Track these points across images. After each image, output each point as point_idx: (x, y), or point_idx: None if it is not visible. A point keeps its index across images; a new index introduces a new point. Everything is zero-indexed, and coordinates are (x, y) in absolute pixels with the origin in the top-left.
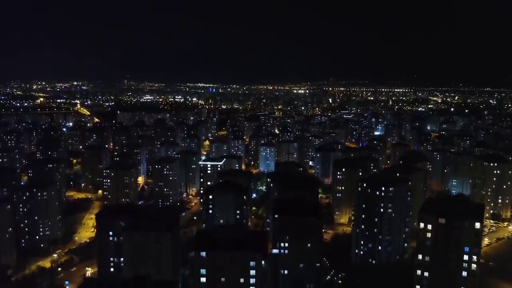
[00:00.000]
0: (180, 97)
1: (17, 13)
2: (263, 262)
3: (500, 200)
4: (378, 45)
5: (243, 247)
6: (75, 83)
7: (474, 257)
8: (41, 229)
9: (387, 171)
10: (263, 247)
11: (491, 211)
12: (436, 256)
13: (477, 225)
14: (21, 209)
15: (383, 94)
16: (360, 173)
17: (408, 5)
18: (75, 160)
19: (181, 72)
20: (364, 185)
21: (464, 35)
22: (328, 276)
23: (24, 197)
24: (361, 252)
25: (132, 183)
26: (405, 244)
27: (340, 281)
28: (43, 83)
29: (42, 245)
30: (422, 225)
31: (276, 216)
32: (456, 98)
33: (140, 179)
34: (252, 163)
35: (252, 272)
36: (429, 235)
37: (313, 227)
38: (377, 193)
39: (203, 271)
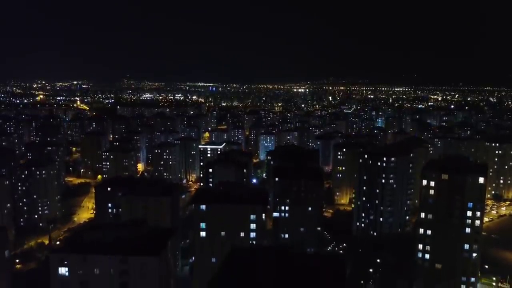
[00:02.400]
0: (180, 95)
1: (17, 13)
2: (263, 216)
3: (502, 181)
4: (378, 45)
5: (243, 201)
6: (75, 82)
7: (478, 213)
8: (39, 208)
9: (388, 145)
10: (263, 202)
11: (493, 192)
12: (439, 214)
13: (481, 179)
14: (19, 188)
15: (383, 93)
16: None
17: (408, 5)
18: (74, 148)
19: (181, 72)
20: (365, 156)
21: (464, 35)
22: (329, 248)
23: (23, 176)
24: (362, 225)
25: (132, 166)
26: (407, 217)
27: (341, 251)
28: (43, 82)
29: (41, 224)
30: (424, 182)
31: (276, 179)
32: (456, 96)
33: (140, 166)
34: (252, 152)
35: (253, 226)
36: (432, 192)
37: (314, 190)
38: (379, 163)
39: (203, 225)
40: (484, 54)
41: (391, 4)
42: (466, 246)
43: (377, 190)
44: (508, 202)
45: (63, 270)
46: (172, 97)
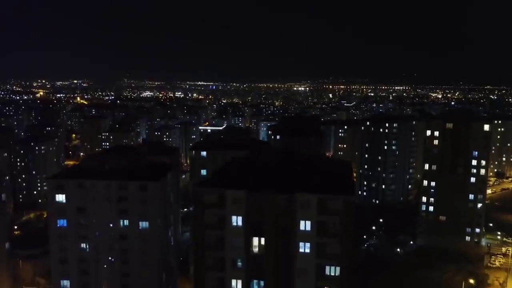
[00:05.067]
0: (180, 93)
1: (17, 13)
2: None
3: (504, 159)
4: (378, 45)
5: (243, 148)
6: (75, 81)
7: (483, 162)
8: (38, 184)
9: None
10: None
11: (495, 170)
12: (443, 164)
13: (486, 127)
14: (18, 164)
15: (383, 91)
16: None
17: (408, 5)
18: (74, 135)
19: (181, 71)
20: (368, 123)
21: (464, 34)
22: None
23: (22, 152)
24: (364, 193)
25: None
26: (409, 186)
27: None
28: (43, 81)
29: (40, 201)
30: (429, 132)
31: (278, 137)
32: (456, 94)
33: None
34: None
35: None
36: (436, 142)
37: (316, 147)
38: (381, 130)
39: (203, 171)
40: (484, 54)
41: (391, 3)
42: (471, 196)
43: (380, 157)
44: (511, 179)
45: (60, 197)
46: (172, 95)
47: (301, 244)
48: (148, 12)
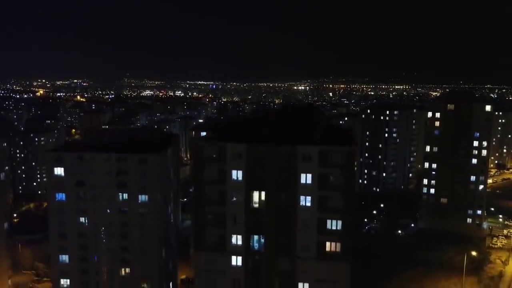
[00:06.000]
0: (180, 92)
1: (16, 12)
2: None
3: (505, 150)
4: (379, 44)
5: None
6: (75, 80)
7: (485, 143)
8: (38, 176)
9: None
10: None
11: (496, 161)
12: (444, 145)
13: (488, 107)
14: (18, 155)
15: (383, 90)
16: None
17: (408, 4)
18: (74, 130)
19: (181, 70)
20: (368, 111)
21: (464, 34)
22: None
23: (22, 143)
24: (365, 182)
25: None
26: (410, 175)
27: None
28: (43, 80)
29: (39, 192)
30: (430, 114)
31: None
32: None
33: None
34: None
35: None
36: (437, 124)
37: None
38: (381, 118)
39: None
40: (484, 54)
41: (392, 2)
42: (473, 178)
43: (380, 145)
44: (511, 170)
45: (58, 170)
46: (172, 94)
47: (302, 197)
48: (148, 12)
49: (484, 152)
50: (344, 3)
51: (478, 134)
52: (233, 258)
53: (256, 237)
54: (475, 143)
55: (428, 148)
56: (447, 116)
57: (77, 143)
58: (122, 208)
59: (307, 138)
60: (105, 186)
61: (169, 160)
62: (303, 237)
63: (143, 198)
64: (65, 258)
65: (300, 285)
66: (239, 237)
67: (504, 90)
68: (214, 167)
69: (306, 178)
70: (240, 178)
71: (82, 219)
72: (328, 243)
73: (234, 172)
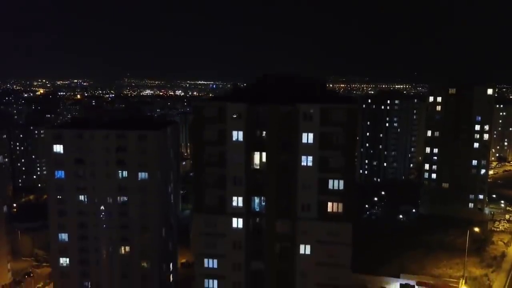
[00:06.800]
0: (180, 91)
1: (16, 12)
2: None
3: (506, 143)
4: (379, 44)
5: None
6: (75, 80)
7: (486, 127)
8: (38, 169)
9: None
10: None
11: (497, 154)
12: (446, 130)
13: (489, 91)
14: (18, 148)
15: (384, 89)
16: None
17: (408, 4)
18: None
19: (181, 70)
20: (369, 100)
21: (464, 34)
22: None
23: (22, 136)
24: (366, 172)
25: None
26: (411, 165)
27: None
28: (44, 80)
29: (39, 185)
30: (431, 99)
31: None
32: None
33: None
34: None
35: None
36: (439, 108)
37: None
38: (382, 107)
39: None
40: (484, 53)
41: (392, 2)
42: (474, 162)
43: (381, 135)
44: None
45: (57, 148)
46: (172, 93)
47: (304, 157)
48: (148, 12)
49: (485, 136)
50: (344, 3)
51: (479, 118)
52: (234, 220)
53: (256, 198)
54: (477, 127)
55: (429, 133)
56: (448, 100)
57: (77, 121)
58: (122, 186)
59: (308, 98)
60: (105, 163)
61: (169, 139)
62: (304, 197)
63: (142, 175)
64: (64, 236)
65: (302, 246)
66: (240, 198)
67: (504, 90)
68: (214, 128)
69: (307, 138)
70: (240, 138)
71: (81, 197)
72: (330, 204)
73: (234, 133)
